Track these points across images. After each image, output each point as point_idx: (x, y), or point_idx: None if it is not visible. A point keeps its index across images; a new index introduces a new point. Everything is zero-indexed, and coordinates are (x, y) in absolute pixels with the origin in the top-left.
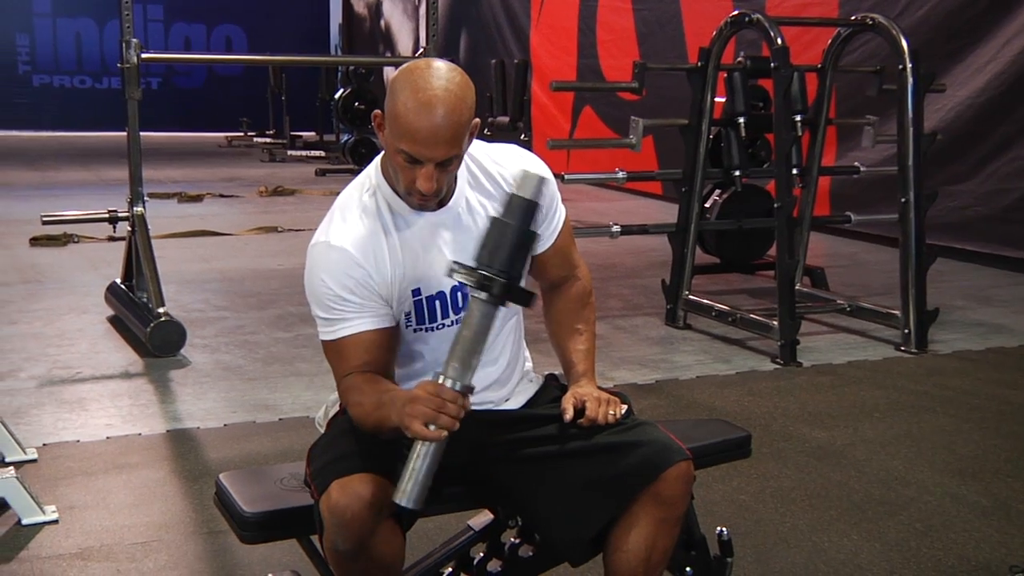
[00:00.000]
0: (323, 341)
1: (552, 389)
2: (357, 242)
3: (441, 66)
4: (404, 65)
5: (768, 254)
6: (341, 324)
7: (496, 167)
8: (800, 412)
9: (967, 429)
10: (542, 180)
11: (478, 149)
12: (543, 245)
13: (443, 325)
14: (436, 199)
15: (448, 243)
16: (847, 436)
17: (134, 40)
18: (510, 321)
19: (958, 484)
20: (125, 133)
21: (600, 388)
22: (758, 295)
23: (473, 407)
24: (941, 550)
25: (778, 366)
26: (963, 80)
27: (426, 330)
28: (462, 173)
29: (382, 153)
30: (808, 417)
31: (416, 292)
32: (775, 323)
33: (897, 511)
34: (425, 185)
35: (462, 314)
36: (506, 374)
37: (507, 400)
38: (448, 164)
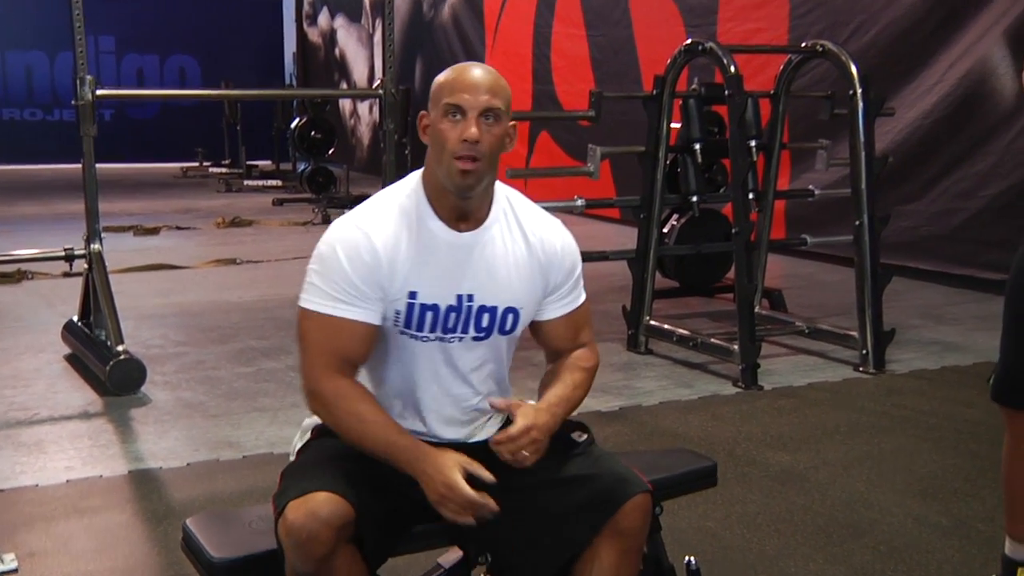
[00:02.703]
0: (308, 309)
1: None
2: (381, 230)
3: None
4: None
5: (727, 277)
6: (339, 304)
7: (531, 223)
8: (763, 436)
9: (926, 449)
10: None
11: (525, 203)
12: (550, 314)
13: (427, 338)
14: (480, 168)
15: (461, 265)
16: (810, 459)
17: (88, 77)
18: (488, 366)
19: (919, 505)
20: (76, 165)
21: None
22: (718, 318)
23: (443, 440)
24: (905, 572)
25: (740, 390)
26: (911, 101)
27: (411, 337)
28: (499, 208)
29: (423, 168)
30: (771, 441)
31: (412, 295)
32: (736, 347)
33: (861, 534)
34: (471, 132)
35: (449, 335)
36: (479, 413)
37: (478, 433)
38: (493, 118)
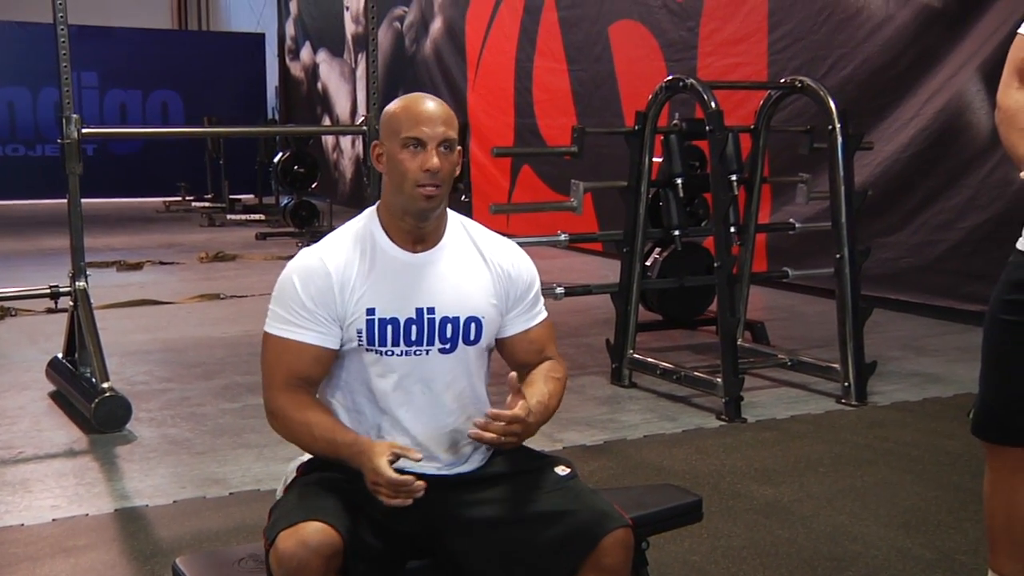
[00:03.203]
0: (266, 332)
1: (505, 451)
2: (334, 256)
3: None
4: None
5: (709, 309)
6: (292, 328)
7: (486, 243)
8: (747, 469)
9: (908, 481)
10: None
11: (479, 228)
12: (514, 328)
13: (392, 352)
14: (442, 193)
15: (417, 281)
16: (793, 492)
17: (74, 116)
18: (460, 382)
19: (903, 537)
20: (60, 200)
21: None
22: (701, 350)
23: (424, 471)
24: None
25: (723, 423)
26: (889, 135)
27: (377, 353)
28: (453, 231)
29: (378, 202)
30: (755, 474)
31: (371, 311)
32: (719, 380)
33: (845, 567)
34: (433, 162)
35: (413, 347)
36: (459, 436)
37: (461, 464)
38: (448, 148)
